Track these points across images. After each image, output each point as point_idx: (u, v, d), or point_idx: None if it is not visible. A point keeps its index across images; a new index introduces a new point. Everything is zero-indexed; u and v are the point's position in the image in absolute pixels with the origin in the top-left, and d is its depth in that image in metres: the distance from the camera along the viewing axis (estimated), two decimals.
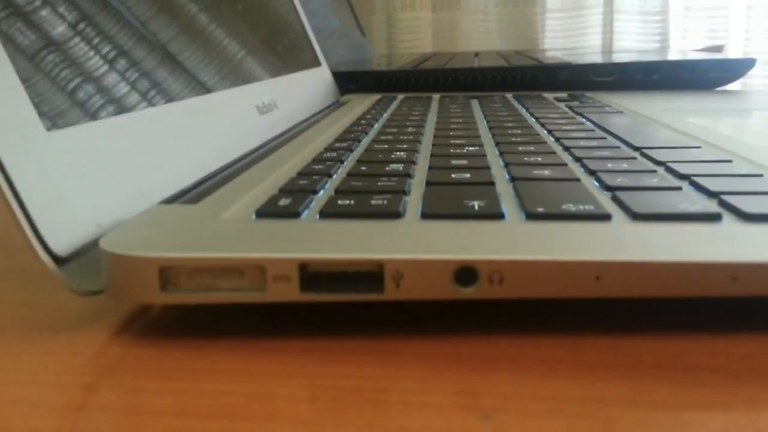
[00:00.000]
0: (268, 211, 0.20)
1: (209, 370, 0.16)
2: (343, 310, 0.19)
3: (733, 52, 1.04)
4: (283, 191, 0.22)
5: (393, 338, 0.17)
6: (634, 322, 0.18)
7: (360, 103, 0.51)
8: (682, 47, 1.11)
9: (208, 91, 0.30)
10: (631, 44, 1.13)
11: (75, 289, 0.18)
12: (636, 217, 0.19)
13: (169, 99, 0.26)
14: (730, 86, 0.59)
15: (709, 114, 0.41)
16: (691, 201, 0.20)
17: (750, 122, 0.39)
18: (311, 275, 0.17)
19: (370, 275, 0.17)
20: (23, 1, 0.20)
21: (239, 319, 0.18)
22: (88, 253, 0.19)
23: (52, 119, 0.19)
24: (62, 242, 0.18)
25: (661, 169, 0.24)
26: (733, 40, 1.11)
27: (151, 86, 0.25)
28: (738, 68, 0.56)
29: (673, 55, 0.67)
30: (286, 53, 0.46)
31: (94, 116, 0.21)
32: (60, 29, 0.21)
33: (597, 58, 0.66)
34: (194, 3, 0.32)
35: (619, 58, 0.65)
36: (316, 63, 0.54)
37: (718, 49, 0.92)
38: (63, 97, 0.20)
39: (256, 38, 0.40)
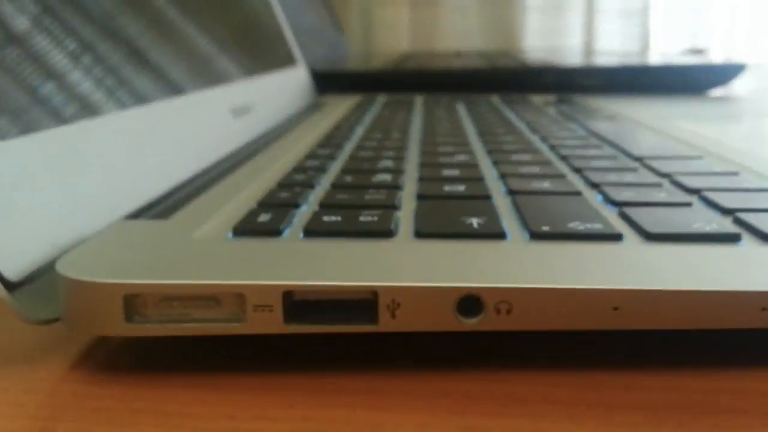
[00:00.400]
0: (246, 228, 0.18)
1: (181, 414, 0.14)
2: (332, 342, 0.17)
3: (714, 54, 1.04)
4: (263, 205, 0.21)
5: (388, 375, 0.15)
6: (655, 355, 0.16)
7: (339, 105, 0.49)
8: (664, 48, 1.11)
9: (178, 93, 0.28)
10: (612, 44, 1.12)
11: (28, 318, 0.16)
12: (649, 237, 0.17)
13: (136, 102, 0.24)
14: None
15: (702, 120, 0.40)
16: (705, 219, 0.18)
17: (743, 129, 0.38)
18: (296, 304, 0.15)
19: (363, 304, 0.15)
20: None
21: (216, 352, 0.16)
22: (43, 276, 0.17)
23: (5, 127, 0.17)
24: (14, 265, 0.16)
25: (666, 182, 0.23)
26: (715, 40, 1.11)
27: (115, 89, 0.23)
28: (727, 73, 0.55)
29: (662, 60, 0.66)
30: (261, 52, 0.44)
31: (50, 123, 0.19)
32: (15, 26, 0.19)
33: (583, 61, 0.64)
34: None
35: (607, 61, 0.64)
36: (292, 62, 0.52)
37: (700, 51, 0.91)
38: (17, 102, 0.18)
39: (230, 36, 0.38)
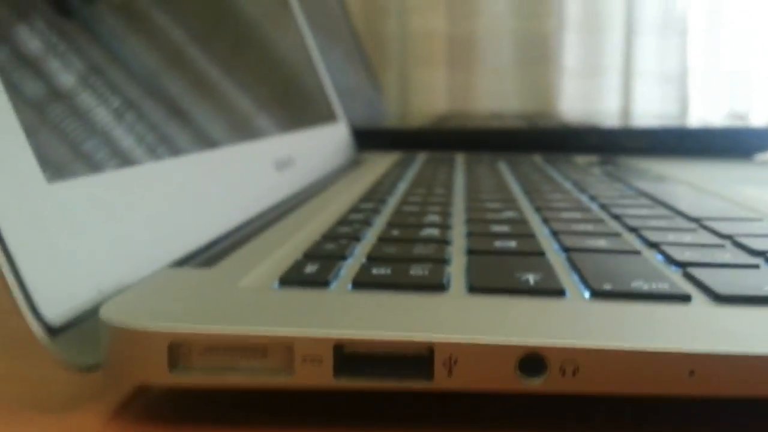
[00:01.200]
0: (292, 278, 0.18)
1: None
2: (382, 398, 0.16)
3: (755, 119, 1.03)
4: (308, 256, 0.20)
5: None
6: (732, 424, 0.15)
7: (380, 161, 0.49)
8: (703, 112, 1.10)
9: (223, 144, 0.28)
10: (650, 108, 1.11)
11: (69, 365, 0.15)
12: (719, 299, 0.16)
13: (181, 152, 0.24)
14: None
15: (752, 183, 0.39)
16: None
17: None
18: (347, 357, 0.14)
19: (418, 360, 0.14)
20: (28, 50, 0.18)
21: (262, 403, 0.16)
22: (86, 322, 0.16)
23: (54, 170, 0.17)
24: (57, 310, 0.16)
25: (728, 243, 0.22)
26: (756, 105, 1.09)
27: (166, 139, 0.23)
28: None
29: (704, 123, 0.65)
30: (304, 107, 0.44)
31: (99, 168, 0.19)
32: (67, 78, 0.19)
33: (624, 123, 0.64)
34: (210, 54, 0.31)
35: (649, 123, 0.63)
36: (333, 118, 0.52)
37: (741, 116, 0.90)
38: (67, 147, 0.18)
39: (276, 92, 0.38)
